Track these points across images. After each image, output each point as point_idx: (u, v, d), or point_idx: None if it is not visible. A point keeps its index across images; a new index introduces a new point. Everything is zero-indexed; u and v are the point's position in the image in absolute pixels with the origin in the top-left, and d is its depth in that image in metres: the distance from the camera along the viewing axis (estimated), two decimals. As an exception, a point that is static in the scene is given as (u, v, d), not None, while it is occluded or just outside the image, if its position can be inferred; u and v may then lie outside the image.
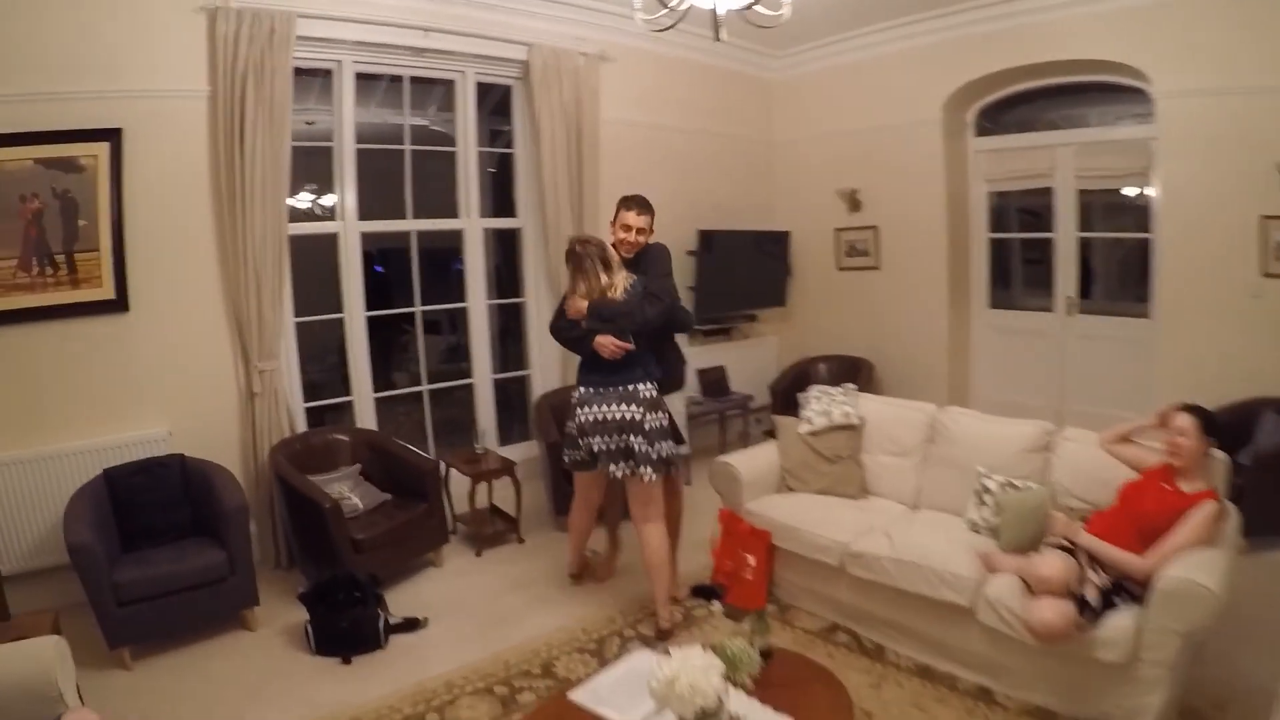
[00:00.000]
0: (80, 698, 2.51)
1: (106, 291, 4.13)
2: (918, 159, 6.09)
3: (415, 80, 5.28)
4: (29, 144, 3.94)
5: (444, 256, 6.26)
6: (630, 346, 3.41)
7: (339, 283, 4.98)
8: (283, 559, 4.40)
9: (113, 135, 4.08)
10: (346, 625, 3.49)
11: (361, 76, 4.97)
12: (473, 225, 5.41)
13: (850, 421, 4.02)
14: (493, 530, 4.66)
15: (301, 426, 4.72)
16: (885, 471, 3.95)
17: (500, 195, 6.08)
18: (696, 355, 6.07)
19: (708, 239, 6.10)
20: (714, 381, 6.14)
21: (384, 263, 7.56)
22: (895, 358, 6.37)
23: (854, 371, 6.15)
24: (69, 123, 3.98)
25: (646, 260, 3.62)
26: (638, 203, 3.61)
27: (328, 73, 4.85)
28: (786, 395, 6.04)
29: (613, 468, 3.46)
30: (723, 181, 6.59)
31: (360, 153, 4.92)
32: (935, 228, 6.09)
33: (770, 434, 4.28)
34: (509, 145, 5.67)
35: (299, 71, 4.79)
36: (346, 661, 3.42)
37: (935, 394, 5.87)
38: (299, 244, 4.67)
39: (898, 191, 6.25)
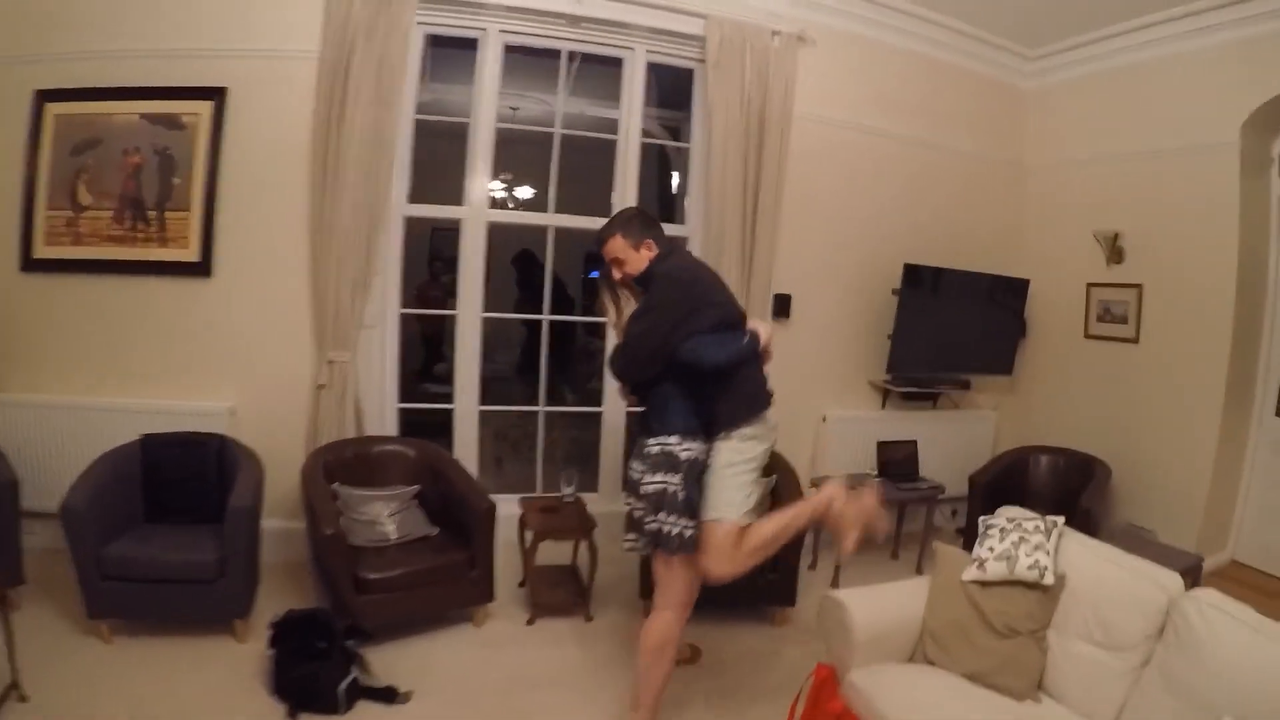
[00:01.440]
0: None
1: (192, 253, 3.91)
2: (1202, 198, 4.40)
3: (592, 59, 4.60)
4: (137, 99, 3.87)
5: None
6: (631, 398, 2.86)
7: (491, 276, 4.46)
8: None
9: (217, 94, 3.88)
10: (301, 675, 2.87)
11: (519, 51, 4.38)
12: None
13: (1042, 579, 2.62)
14: (557, 598, 3.80)
15: (389, 427, 4.23)
16: (1078, 668, 2.49)
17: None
18: (883, 424, 4.92)
19: (915, 275, 4.84)
20: (900, 460, 4.77)
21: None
22: (1141, 465, 4.69)
23: (1084, 474, 4.64)
24: (177, 79, 3.87)
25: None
26: (608, 226, 2.78)
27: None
28: (990, 492, 4.69)
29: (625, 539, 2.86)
30: (946, 207, 5.21)
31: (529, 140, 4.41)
32: (1219, 295, 4.35)
33: (970, 543, 3.03)
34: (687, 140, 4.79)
35: (441, 41, 4.30)
36: (292, 715, 2.80)
37: (1183, 528, 4.32)
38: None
39: (1171, 241, 4.58)
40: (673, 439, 2.59)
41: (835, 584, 4.26)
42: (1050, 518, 2.82)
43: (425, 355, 7.10)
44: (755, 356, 2.67)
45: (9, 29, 3.79)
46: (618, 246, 2.69)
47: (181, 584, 3.19)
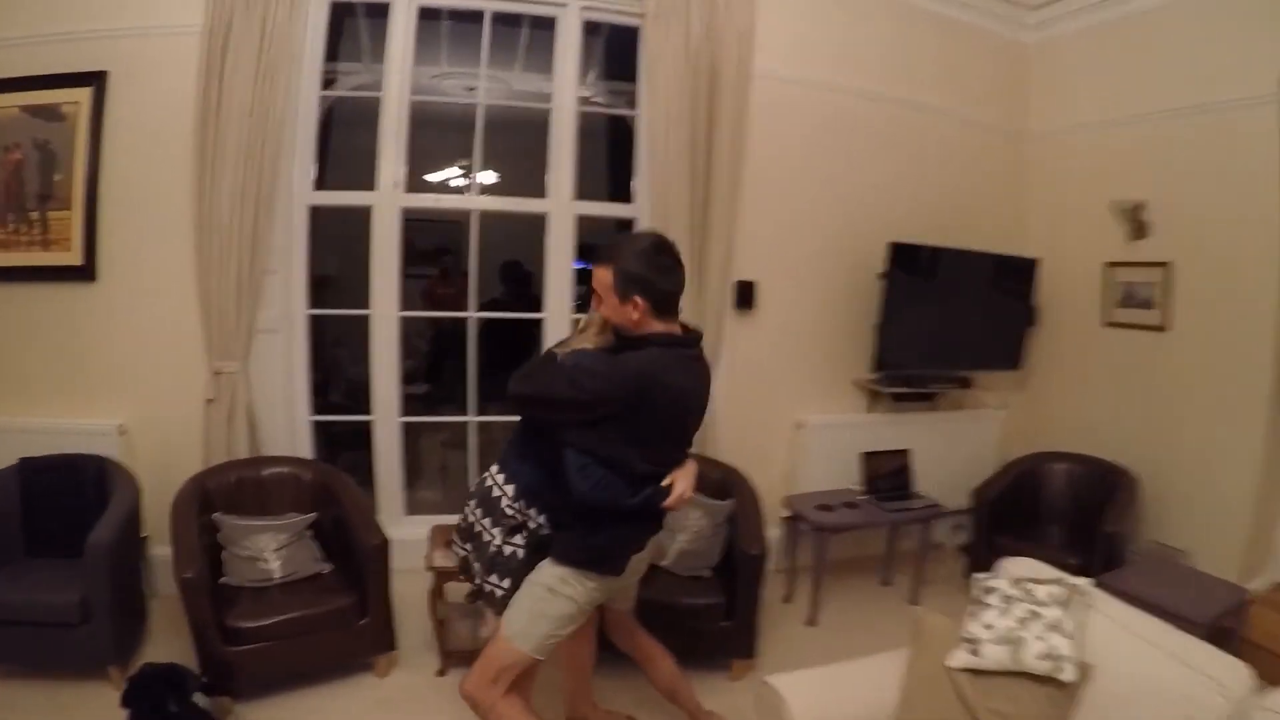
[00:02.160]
0: None
1: (74, 256, 3.53)
2: (1238, 162, 3.71)
3: (540, 25, 4.13)
4: (16, 90, 3.50)
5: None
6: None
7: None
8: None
9: (96, 79, 3.49)
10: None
11: (433, 14, 3.92)
12: (560, 209, 4.00)
13: (1058, 672, 1.96)
14: (474, 643, 3.19)
15: (300, 445, 3.80)
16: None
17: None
18: (870, 430, 4.32)
19: (904, 256, 4.20)
20: (890, 473, 4.16)
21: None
22: (1171, 473, 4.00)
23: (1106, 486, 4.01)
24: (56, 66, 3.47)
25: None
26: (605, 251, 2.14)
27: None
28: (997, 509, 4.09)
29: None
30: (938, 179, 4.56)
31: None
32: (1260, 272, 3.63)
33: (975, 564, 2.35)
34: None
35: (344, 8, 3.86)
36: None
37: (1222, 548, 3.71)
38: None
39: (1203, 211, 3.88)
40: (514, 490, 2.16)
41: (813, 620, 3.72)
42: (1072, 580, 2.17)
43: (432, 359, 6.37)
44: (644, 516, 2.15)
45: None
46: (603, 281, 2.06)
47: (45, 627, 2.85)
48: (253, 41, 3.29)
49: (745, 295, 4.07)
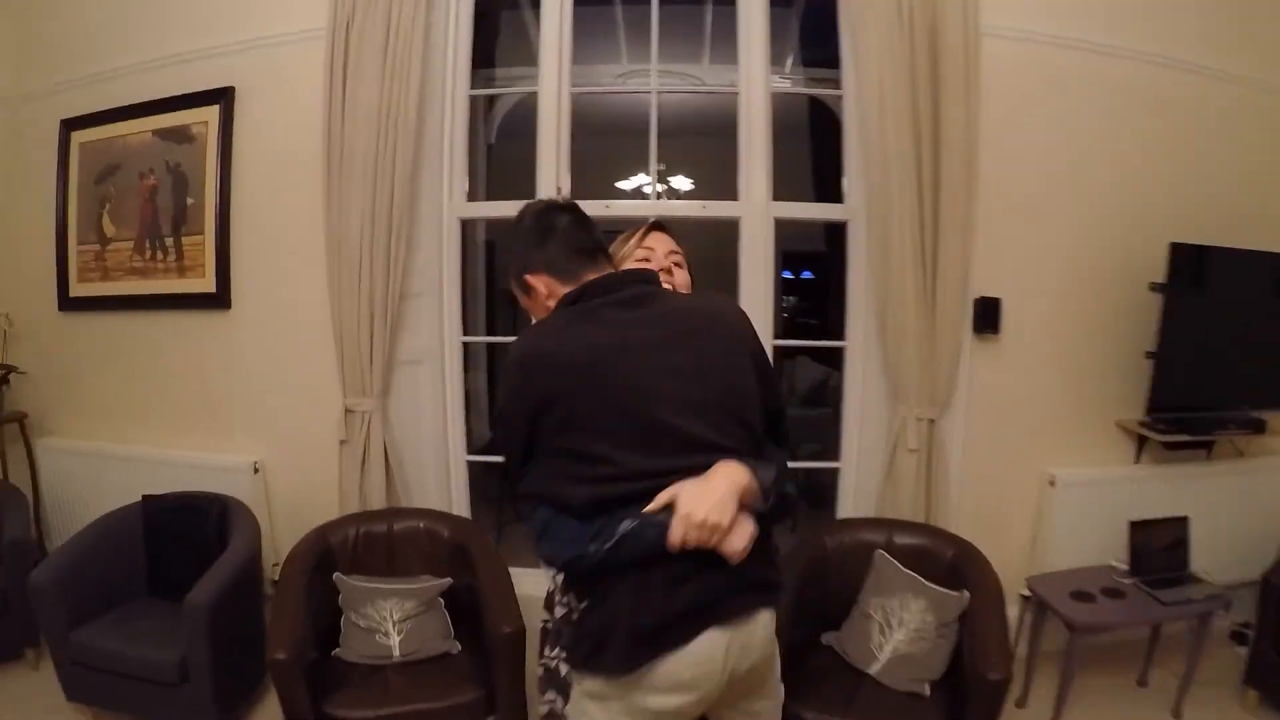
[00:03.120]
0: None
1: (208, 284, 3.30)
2: None
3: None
4: (149, 114, 3.37)
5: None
6: None
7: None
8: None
9: (223, 96, 3.24)
10: None
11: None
12: (754, 211, 3.21)
13: None
14: None
15: (456, 490, 3.36)
16: None
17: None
18: (1136, 488, 3.32)
19: (1190, 262, 3.16)
20: (1163, 549, 3.10)
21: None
22: None
23: None
24: (184, 86, 3.28)
25: None
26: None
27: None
28: None
29: None
30: (1233, 164, 3.40)
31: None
32: None
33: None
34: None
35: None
36: None
37: None
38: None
39: None
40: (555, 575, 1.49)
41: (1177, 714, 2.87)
42: None
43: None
44: (647, 570, 1.31)
45: (35, 62, 3.57)
46: (515, 286, 1.58)
47: (145, 684, 2.64)
48: (377, 38, 2.86)
49: (987, 315, 3.16)
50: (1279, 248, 3.28)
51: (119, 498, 3.15)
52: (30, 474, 3.58)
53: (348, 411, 3.02)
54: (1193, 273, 3.17)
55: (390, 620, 2.66)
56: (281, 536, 3.24)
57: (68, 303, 3.55)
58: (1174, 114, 3.30)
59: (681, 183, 6.11)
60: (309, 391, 3.18)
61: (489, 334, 5.55)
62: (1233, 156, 3.40)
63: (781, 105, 3.28)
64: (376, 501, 3.03)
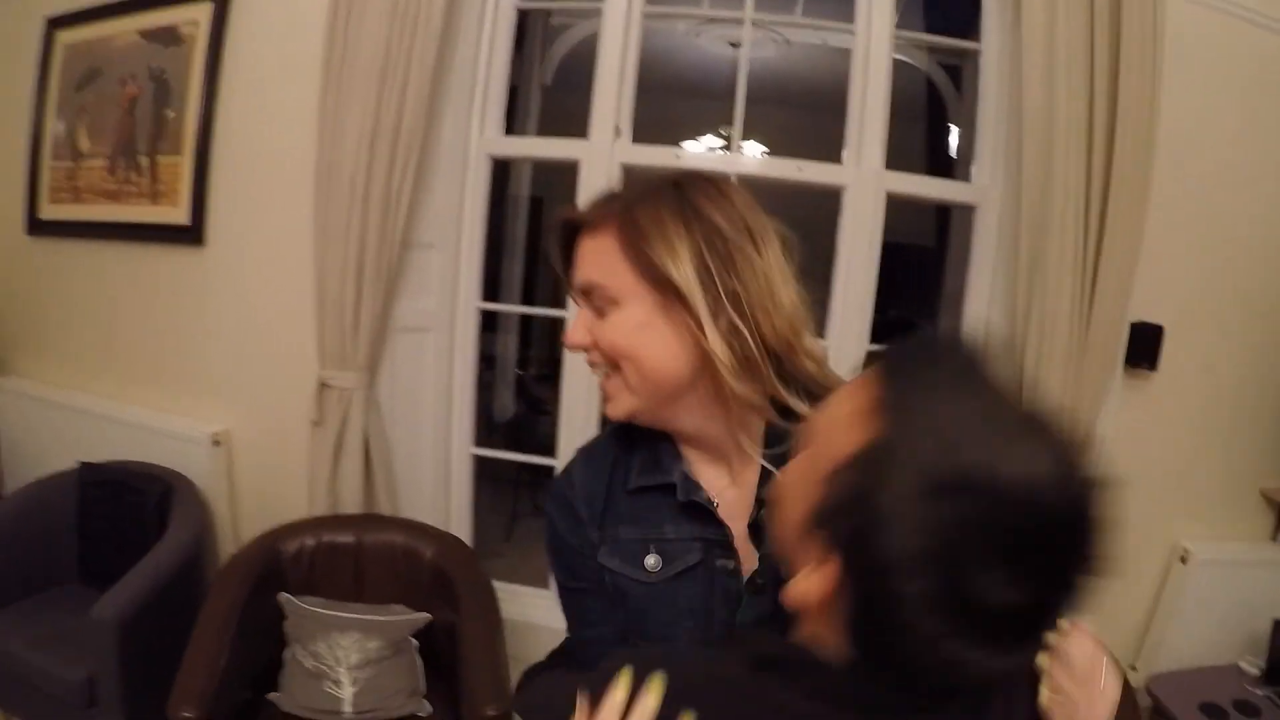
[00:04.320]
0: None
1: (181, 213, 2.71)
2: None
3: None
4: (137, 10, 2.77)
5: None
6: None
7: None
8: None
9: None
10: None
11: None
12: (863, 181, 2.48)
13: None
14: None
15: (457, 489, 2.71)
16: None
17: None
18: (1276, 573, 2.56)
19: None
20: None
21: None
22: None
23: None
24: None
25: None
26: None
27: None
28: None
29: None
30: None
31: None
32: None
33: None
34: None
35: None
36: None
37: None
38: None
39: None
40: None
41: None
42: None
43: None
44: None
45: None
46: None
47: (47, 697, 2.14)
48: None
49: (1146, 346, 2.39)
50: None
51: (67, 457, 2.65)
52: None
53: (323, 385, 2.38)
54: None
55: (344, 665, 2.04)
56: (245, 527, 2.66)
57: (37, 226, 3.01)
58: None
59: (754, 149, 5.29)
60: (286, 356, 2.56)
61: (525, 303, 4.58)
62: None
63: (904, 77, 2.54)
64: (351, 503, 2.39)
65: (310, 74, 2.34)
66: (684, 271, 0.85)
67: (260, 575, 2.13)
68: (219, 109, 2.60)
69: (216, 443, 2.64)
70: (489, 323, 4.04)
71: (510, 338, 4.53)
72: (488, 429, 4.10)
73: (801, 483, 0.63)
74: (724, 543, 0.92)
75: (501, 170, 3.09)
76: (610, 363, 0.90)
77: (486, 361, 4.03)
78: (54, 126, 2.96)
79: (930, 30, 3.51)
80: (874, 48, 2.42)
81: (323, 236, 2.34)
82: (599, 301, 0.89)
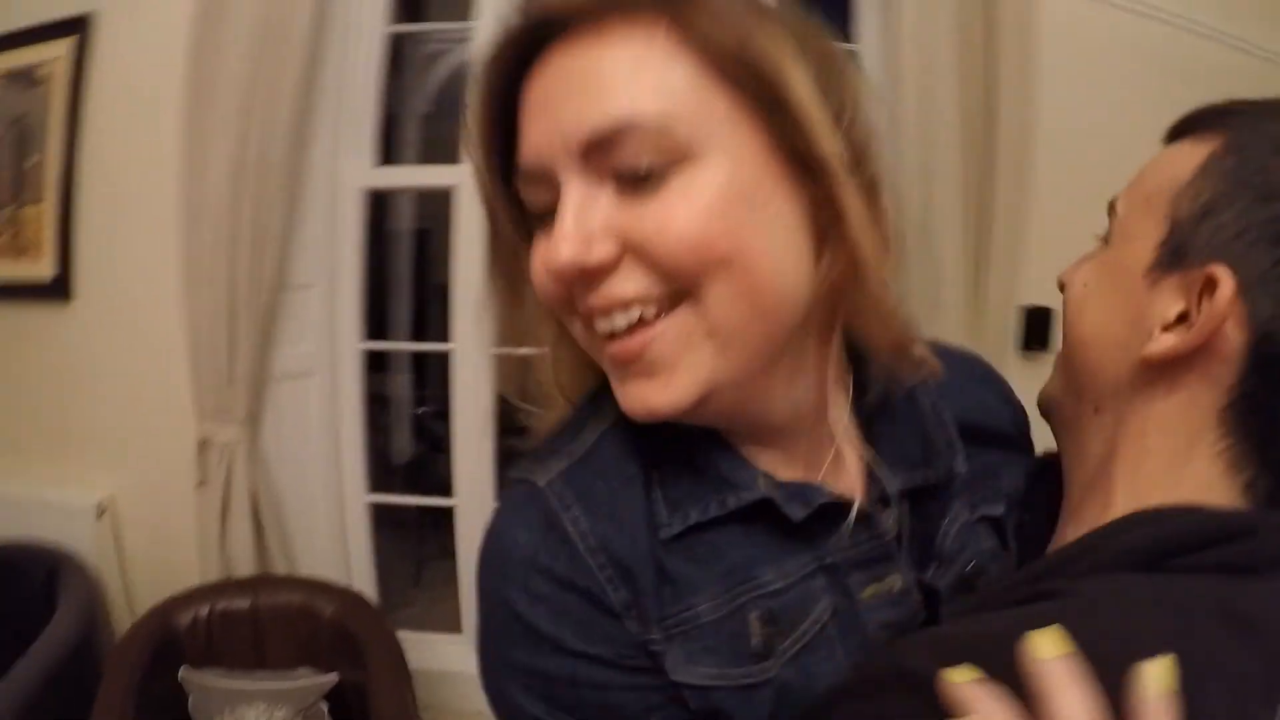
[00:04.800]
0: None
1: (45, 266, 2.52)
2: None
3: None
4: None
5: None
6: None
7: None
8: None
9: (79, 26, 2.43)
10: None
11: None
12: None
13: None
14: None
15: (354, 544, 2.56)
16: None
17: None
18: None
19: None
20: None
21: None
22: None
23: None
24: (34, 17, 2.48)
25: None
26: None
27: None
28: None
29: None
30: None
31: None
32: None
33: None
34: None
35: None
36: None
37: None
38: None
39: None
40: None
41: None
42: None
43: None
44: None
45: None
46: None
47: None
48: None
49: (1036, 330, 2.40)
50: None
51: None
52: None
53: (204, 443, 2.25)
54: None
55: (242, 741, 1.92)
56: (140, 600, 2.48)
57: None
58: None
59: None
60: (165, 413, 2.40)
61: (416, 339, 4.34)
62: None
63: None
64: (244, 565, 2.25)
65: (174, 110, 2.21)
66: (805, 94, 0.49)
67: (155, 652, 1.98)
68: (82, 151, 2.42)
69: (101, 512, 2.46)
70: (380, 362, 3.89)
71: (403, 376, 4.39)
72: (386, 472, 3.94)
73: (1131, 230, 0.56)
74: (878, 553, 0.59)
75: (381, 203, 2.98)
76: (672, 285, 0.50)
77: (380, 402, 3.88)
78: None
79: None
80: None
81: (192, 281, 2.20)
82: (640, 160, 0.48)
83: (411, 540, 3.77)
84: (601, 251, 0.49)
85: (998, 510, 0.66)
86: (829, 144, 0.49)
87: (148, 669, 1.94)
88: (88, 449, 2.55)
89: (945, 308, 2.21)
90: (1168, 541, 0.47)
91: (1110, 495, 0.54)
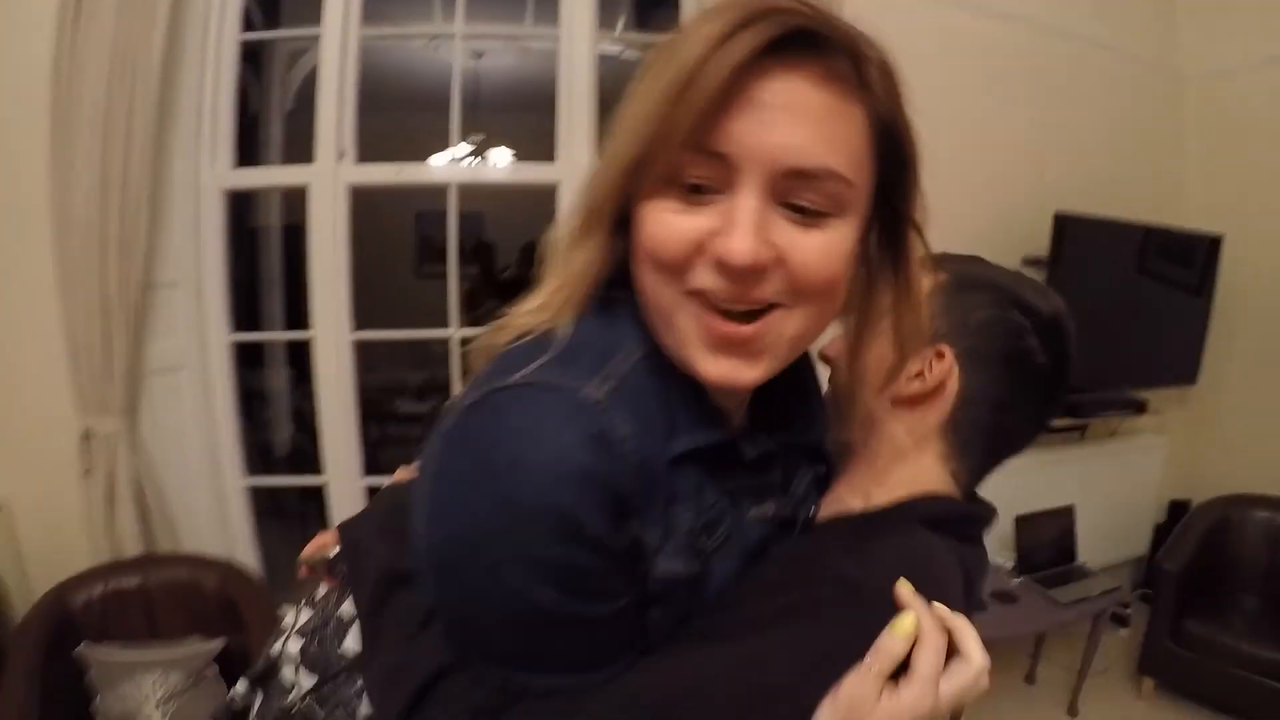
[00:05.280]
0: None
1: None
2: None
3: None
4: None
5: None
6: None
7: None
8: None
9: None
10: None
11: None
12: (574, 175, 2.71)
13: None
14: None
15: (233, 523, 2.76)
16: None
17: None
18: (1020, 476, 3.08)
19: (1072, 234, 3.02)
20: (1050, 542, 2.98)
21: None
22: None
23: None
24: None
25: None
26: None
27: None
28: (1188, 584, 2.97)
29: None
30: (1095, 132, 3.34)
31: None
32: None
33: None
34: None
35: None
36: None
37: None
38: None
39: None
40: None
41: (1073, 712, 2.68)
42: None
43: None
44: None
45: None
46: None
47: None
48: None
49: None
50: (1162, 220, 3.20)
51: None
52: None
53: (86, 435, 2.39)
54: (1076, 245, 3.03)
55: (152, 700, 2.12)
56: (37, 591, 2.57)
57: None
58: (1050, 82, 3.15)
59: (502, 155, 5.19)
60: (47, 410, 2.50)
61: (289, 328, 4.31)
62: (1100, 128, 3.27)
63: (612, 72, 2.84)
64: (131, 546, 2.42)
65: (40, 132, 2.30)
66: (919, 172, 0.68)
67: (54, 633, 2.14)
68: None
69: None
70: (258, 358, 3.98)
71: (281, 370, 4.51)
72: (266, 464, 4.08)
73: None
74: (762, 488, 0.77)
75: (245, 201, 3.11)
76: (795, 300, 0.62)
77: (259, 398, 3.99)
78: None
79: (641, 26, 3.86)
80: (576, 48, 2.72)
81: (66, 284, 2.33)
82: (816, 200, 0.60)
83: (296, 526, 3.97)
84: (766, 257, 0.58)
85: (823, 470, 0.90)
86: (918, 214, 0.67)
87: (47, 648, 2.10)
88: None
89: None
90: (936, 518, 0.79)
91: (875, 469, 0.86)
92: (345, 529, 0.90)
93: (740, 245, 0.57)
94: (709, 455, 0.68)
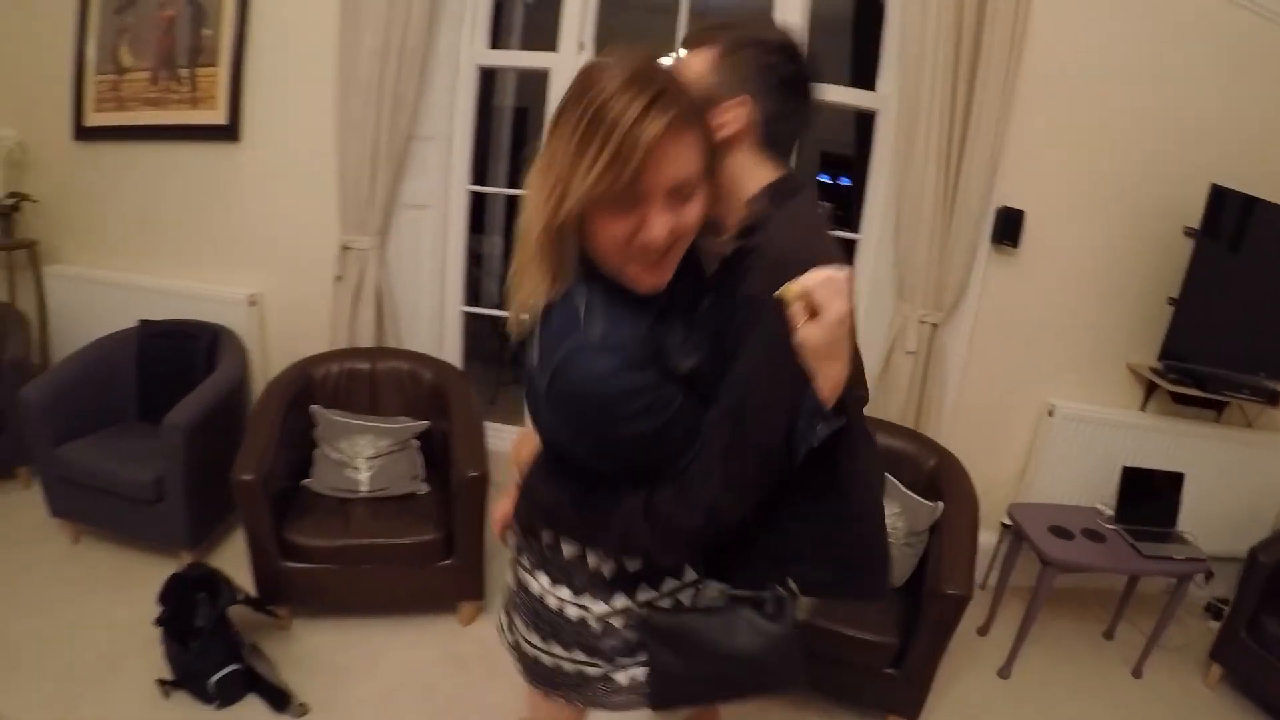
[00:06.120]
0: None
1: (219, 114, 3.25)
2: None
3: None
4: None
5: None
6: None
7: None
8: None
9: None
10: (175, 652, 2.22)
11: None
12: None
13: None
14: None
15: (448, 338, 3.37)
16: None
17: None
18: (1137, 436, 3.19)
19: (1230, 210, 2.96)
20: (1152, 501, 2.97)
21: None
22: None
23: None
24: None
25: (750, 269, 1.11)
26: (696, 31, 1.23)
27: None
28: (1275, 583, 2.86)
29: None
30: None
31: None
32: None
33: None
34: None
35: None
36: (165, 691, 2.19)
37: None
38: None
39: None
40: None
41: (1006, 672, 2.78)
42: None
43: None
44: None
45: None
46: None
47: (124, 501, 2.70)
48: None
49: (1009, 227, 2.99)
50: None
51: (120, 325, 3.19)
52: (38, 300, 3.59)
53: (345, 248, 2.99)
54: (1231, 223, 2.98)
55: (362, 456, 2.65)
56: (273, 367, 3.21)
57: (82, 132, 3.48)
58: (1233, 52, 3.08)
59: None
60: (310, 226, 3.15)
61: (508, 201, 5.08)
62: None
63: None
64: (365, 340, 3.02)
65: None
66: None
67: (295, 392, 2.73)
68: (250, 27, 3.12)
69: (252, 303, 3.22)
70: (478, 224, 4.55)
71: (497, 238, 5.15)
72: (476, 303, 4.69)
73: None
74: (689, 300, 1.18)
75: (490, 80, 3.60)
76: (685, 236, 1.05)
77: (474, 259, 4.58)
78: (95, 45, 3.40)
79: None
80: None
81: (345, 130, 2.93)
82: (688, 190, 1.01)
83: (493, 370, 4.75)
84: (670, 234, 1.01)
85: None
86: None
87: (290, 403, 2.67)
88: (244, 255, 3.30)
89: (920, 203, 2.80)
90: (783, 189, 1.17)
91: (734, 196, 1.16)
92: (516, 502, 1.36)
93: (658, 234, 0.98)
94: (657, 314, 1.10)
